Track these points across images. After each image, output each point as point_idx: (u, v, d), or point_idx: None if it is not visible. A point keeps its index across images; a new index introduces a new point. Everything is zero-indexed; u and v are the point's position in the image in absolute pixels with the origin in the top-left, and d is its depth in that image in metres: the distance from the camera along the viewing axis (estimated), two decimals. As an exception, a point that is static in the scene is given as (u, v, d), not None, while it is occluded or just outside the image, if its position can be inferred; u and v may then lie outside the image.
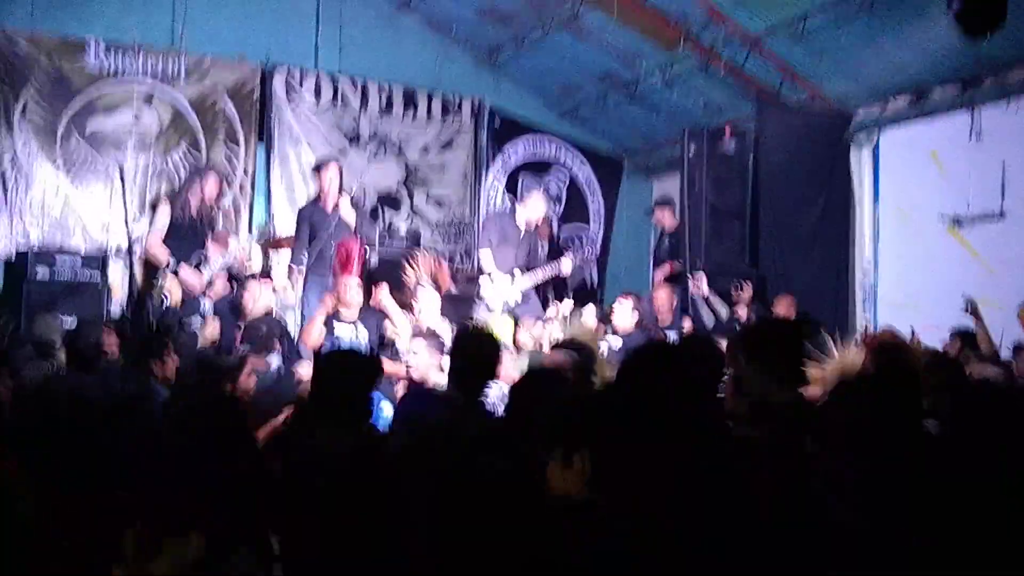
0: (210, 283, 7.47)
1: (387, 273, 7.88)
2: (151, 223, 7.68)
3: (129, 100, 9.15)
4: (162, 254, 7.32)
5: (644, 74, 10.14)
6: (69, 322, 6.50)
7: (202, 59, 9.50)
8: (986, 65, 7.84)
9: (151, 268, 7.35)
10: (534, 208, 8.70)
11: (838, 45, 8.30)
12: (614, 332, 7.74)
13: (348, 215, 7.80)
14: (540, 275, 8.53)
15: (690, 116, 10.37)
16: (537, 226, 8.92)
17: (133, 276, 7.22)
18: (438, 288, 7.57)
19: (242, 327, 6.53)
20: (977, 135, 8.18)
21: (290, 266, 7.88)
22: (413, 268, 7.86)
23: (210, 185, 7.75)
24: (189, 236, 7.48)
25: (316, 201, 8.08)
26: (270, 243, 8.89)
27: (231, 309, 6.96)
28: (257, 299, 6.84)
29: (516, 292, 8.36)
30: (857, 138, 9.33)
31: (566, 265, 8.66)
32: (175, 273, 7.21)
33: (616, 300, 8.07)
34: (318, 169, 8.12)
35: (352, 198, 8.01)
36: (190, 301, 7.27)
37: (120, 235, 8.03)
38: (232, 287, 7.51)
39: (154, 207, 7.79)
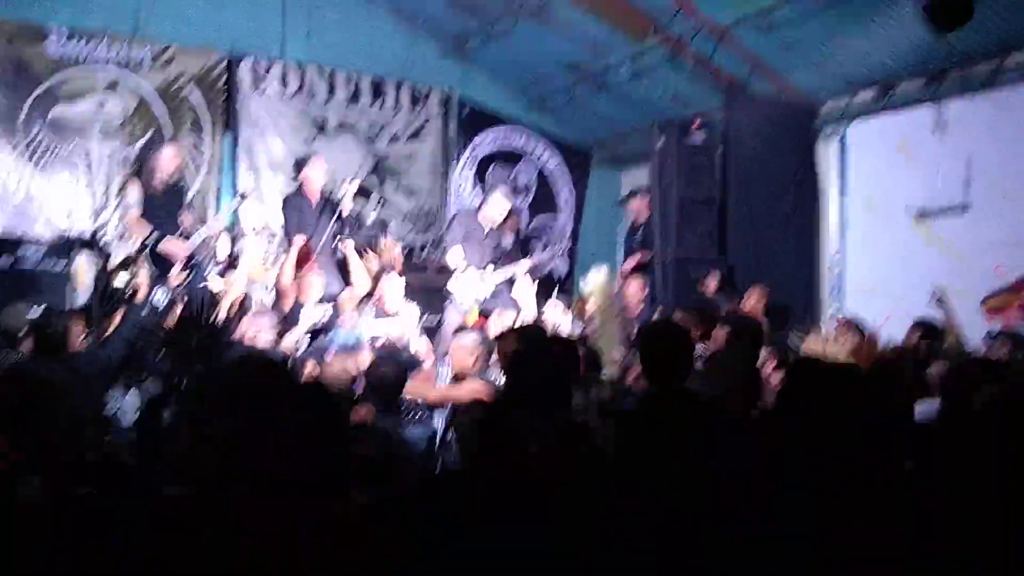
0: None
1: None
2: (123, 204, 7.65)
3: (93, 87, 9.02)
4: (143, 229, 7.34)
5: (613, 65, 10.14)
6: (32, 311, 6.40)
7: (167, 47, 9.38)
8: (952, 58, 7.92)
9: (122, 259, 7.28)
10: (495, 207, 8.80)
11: (806, 37, 8.35)
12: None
13: (348, 205, 7.95)
14: (508, 272, 8.59)
15: (659, 107, 10.40)
16: (499, 223, 9.00)
17: (102, 265, 7.12)
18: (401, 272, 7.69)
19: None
20: (942, 128, 8.28)
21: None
22: (377, 255, 7.92)
23: (167, 158, 7.68)
24: (162, 212, 7.45)
25: (299, 193, 8.12)
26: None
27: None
28: (223, 289, 6.80)
29: (487, 288, 8.43)
30: (824, 130, 9.41)
31: (522, 266, 8.77)
32: (156, 244, 7.26)
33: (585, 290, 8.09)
34: (300, 164, 8.21)
35: (361, 186, 8.17)
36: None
37: (85, 223, 7.93)
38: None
39: (122, 189, 7.71)
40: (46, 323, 5.21)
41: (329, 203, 8.35)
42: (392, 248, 8.73)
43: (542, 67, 10.90)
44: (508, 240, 9.65)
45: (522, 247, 10.13)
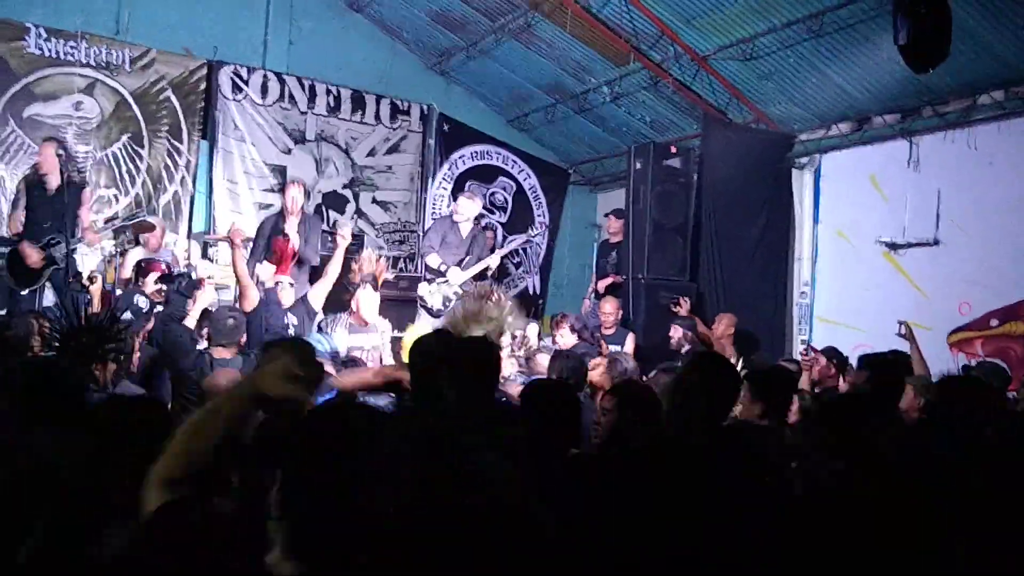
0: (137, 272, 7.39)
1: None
2: (14, 201, 7.51)
3: (70, 88, 8.98)
4: (17, 225, 7.21)
5: (593, 87, 10.23)
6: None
7: (147, 50, 9.36)
8: (925, 96, 8.05)
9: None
10: (465, 209, 8.84)
11: (784, 69, 8.46)
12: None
13: (290, 230, 7.85)
14: (475, 269, 8.65)
15: (637, 131, 10.49)
16: (479, 232, 9.03)
17: (68, 269, 7.03)
18: (376, 286, 7.64)
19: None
20: (915, 163, 8.38)
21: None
22: (357, 268, 7.90)
23: (44, 157, 7.23)
24: (45, 212, 7.10)
25: (280, 215, 8.10)
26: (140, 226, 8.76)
27: (168, 303, 6.85)
28: (196, 298, 6.74)
29: (454, 288, 8.46)
30: (799, 160, 9.51)
31: (494, 260, 8.87)
32: (16, 243, 7.05)
33: (556, 325, 8.06)
34: (282, 188, 8.23)
35: (304, 214, 8.12)
36: (125, 294, 7.17)
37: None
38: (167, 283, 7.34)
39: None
40: (7, 326, 5.15)
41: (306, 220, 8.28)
42: (371, 261, 8.71)
43: (523, 87, 10.97)
44: (486, 255, 9.66)
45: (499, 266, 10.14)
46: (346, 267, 7.58)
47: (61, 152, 7.21)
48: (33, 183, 7.16)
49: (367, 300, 7.34)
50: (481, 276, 8.79)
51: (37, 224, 7.06)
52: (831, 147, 9.21)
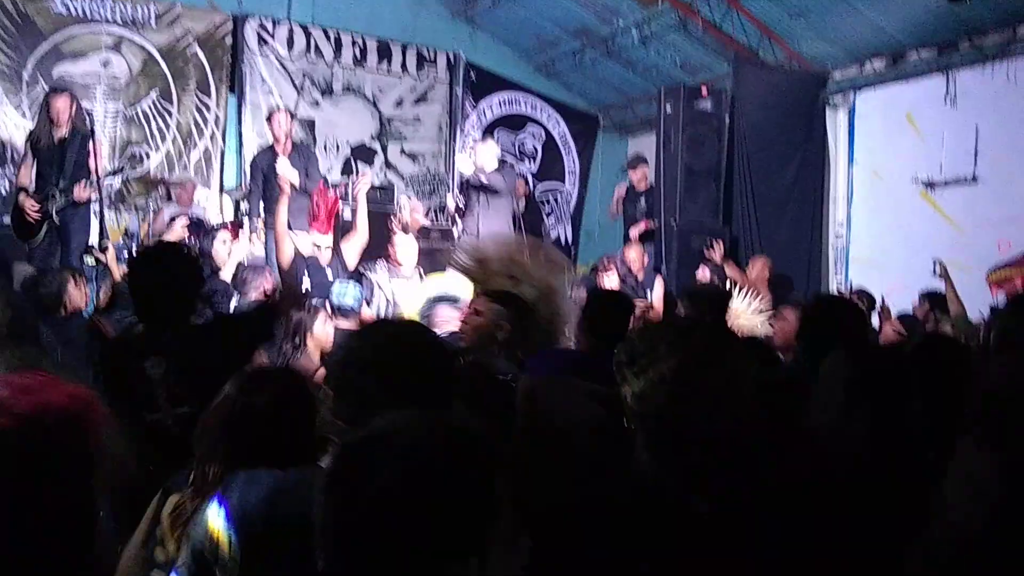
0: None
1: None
2: (23, 157, 7.36)
3: (97, 46, 8.98)
4: (25, 182, 7.09)
5: (621, 30, 10.07)
6: (29, 271, 6.38)
7: (172, 6, 9.34)
8: (962, 29, 7.86)
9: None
10: (484, 156, 8.59)
11: (816, 5, 8.29)
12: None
13: (283, 168, 7.66)
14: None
15: (666, 74, 10.34)
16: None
17: (103, 228, 7.08)
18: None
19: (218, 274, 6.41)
20: (952, 99, 8.21)
21: (247, 217, 7.84)
22: (398, 215, 7.94)
23: (57, 106, 7.03)
24: (52, 164, 7.00)
25: (269, 148, 7.99)
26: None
27: (202, 258, 6.87)
28: (231, 250, 6.76)
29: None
30: (833, 99, 9.34)
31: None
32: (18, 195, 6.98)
33: (604, 269, 8.01)
34: (269, 117, 8.06)
35: (294, 143, 7.93)
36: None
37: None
38: (197, 236, 7.35)
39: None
40: (39, 283, 5.15)
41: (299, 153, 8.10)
42: (413, 208, 8.71)
43: (550, 32, 10.83)
44: (520, 205, 9.59)
45: (532, 215, 10.02)
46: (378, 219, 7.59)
47: (72, 103, 7.17)
48: (38, 137, 7.04)
49: (404, 246, 7.32)
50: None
51: (44, 177, 6.98)
52: (865, 84, 9.04)
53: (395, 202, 9.22)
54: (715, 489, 1.75)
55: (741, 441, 1.81)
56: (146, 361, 3.10)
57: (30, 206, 6.89)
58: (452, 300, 5.80)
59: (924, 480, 2.28)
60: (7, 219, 7.38)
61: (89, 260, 6.61)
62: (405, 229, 7.84)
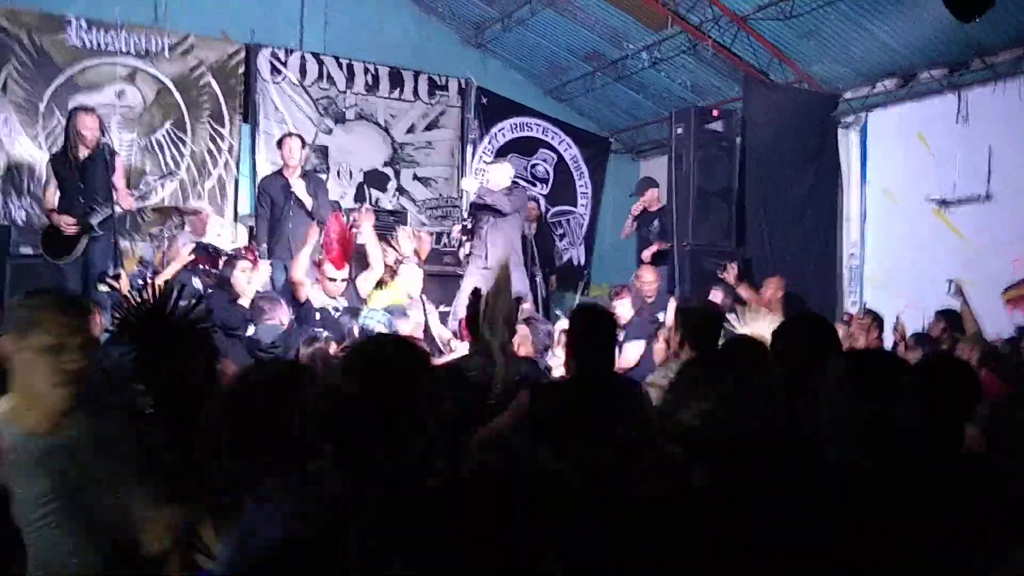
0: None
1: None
2: (46, 182, 7.37)
3: (112, 77, 9.08)
4: (51, 203, 7.06)
5: (631, 53, 10.12)
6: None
7: (186, 36, 9.43)
8: (973, 48, 7.85)
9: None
10: (497, 176, 8.62)
11: (825, 26, 8.30)
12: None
13: (302, 195, 7.70)
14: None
15: (677, 96, 10.38)
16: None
17: (117, 256, 7.10)
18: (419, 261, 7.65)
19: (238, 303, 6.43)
20: (964, 118, 8.20)
21: (251, 243, 7.86)
22: (395, 246, 7.93)
23: (84, 123, 7.04)
24: (76, 183, 6.99)
25: (279, 173, 8.03)
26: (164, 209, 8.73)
27: (219, 286, 6.90)
28: (251, 278, 6.78)
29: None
30: (844, 119, 9.34)
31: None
32: (49, 216, 6.97)
33: (616, 295, 8.03)
34: (280, 142, 8.10)
35: (304, 172, 7.96)
36: (177, 278, 7.20)
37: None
38: (207, 263, 7.37)
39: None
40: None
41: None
42: (412, 238, 8.71)
43: (560, 57, 10.89)
44: (531, 229, 9.60)
45: (543, 240, 10.02)
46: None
47: (99, 122, 7.17)
48: (61, 159, 7.05)
49: (410, 276, 7.35)
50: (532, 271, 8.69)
51: (69, 198, 6.96)
52: (876, 104, 9.03)
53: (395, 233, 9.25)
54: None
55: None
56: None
57: (67, 222, 6.88)
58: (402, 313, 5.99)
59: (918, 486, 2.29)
60: (24, 249, 7.45)
61: (102, 288, 6.63)
62: (421, 256, 7.86)
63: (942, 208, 8.41)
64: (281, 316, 5.85)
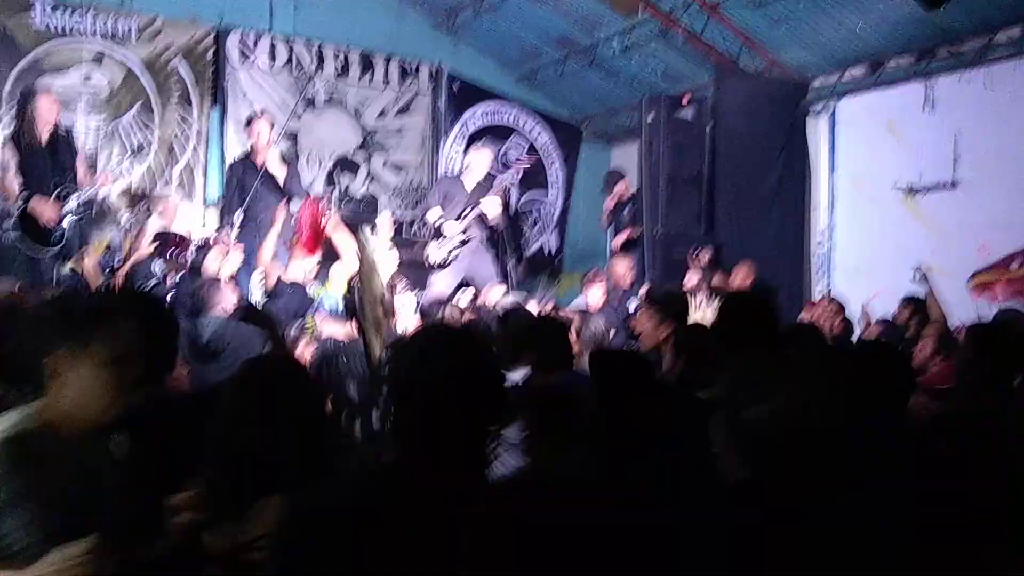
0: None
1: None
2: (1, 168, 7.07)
3: (78, 60, 8.95)
4: (12, 188, 6.86)
5: (602, 40, 10.10)
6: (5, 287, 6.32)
7: (154, 19, 9.31)
8: (940, 36, 7.91)
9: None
10: (475, 162, 8.73)
11: (796, 13, 8.33)
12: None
13: (275, 169, 7.67)
14: (469, 218, 8.64)
15: (649, 83, 10.37)
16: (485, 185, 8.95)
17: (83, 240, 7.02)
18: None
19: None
20: (931, 105, 8.27)
21: (220, 226, 7.81)
22: (373, 231, 7.92)
23: (43, 107, 7.01)
24: (42, 167, 6.91)
25: (247, 157, 7.98)
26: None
27: (191, 272, 6.86)
28: (222, 264, 6.74)
29: (450, 243, 8.44)
30: (814, 106, 9.39)
31: (489, 205, 8.72)
32: (26, 202, 6.75)
33: (588, 282, 8.07)
34: (249, 123, 8.04)
35: (282, 153, 7.94)
36: (140, 266, 7.14)
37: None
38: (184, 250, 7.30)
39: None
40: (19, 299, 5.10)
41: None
42: (389, 224, 8.70)
43: (532, 41, 10.86)
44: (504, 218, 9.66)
45: (512, 224, 10.05)
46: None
47: (55, 104, 7.07)
48: (23, 140, 6.91)
49: (387, 263, 7.35)
50: (503, 256, 8.72)
51: (36, 180, 6.81)
52: (846, 92, 9.09)
53: (377, 216, 9.23)
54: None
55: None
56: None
57: (49, 209, 6.73)
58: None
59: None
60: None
61: (65, 268, 6.55)
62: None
63: (910, 195, 8.49)
64: (224, 303, 5.64)
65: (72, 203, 6.80)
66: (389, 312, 4.24)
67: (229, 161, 8.86)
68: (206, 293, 5.60)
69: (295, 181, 8.12)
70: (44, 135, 6.87)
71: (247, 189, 7.79)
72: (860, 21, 8.08)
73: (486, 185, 8.93)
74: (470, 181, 8.82)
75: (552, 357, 3.92)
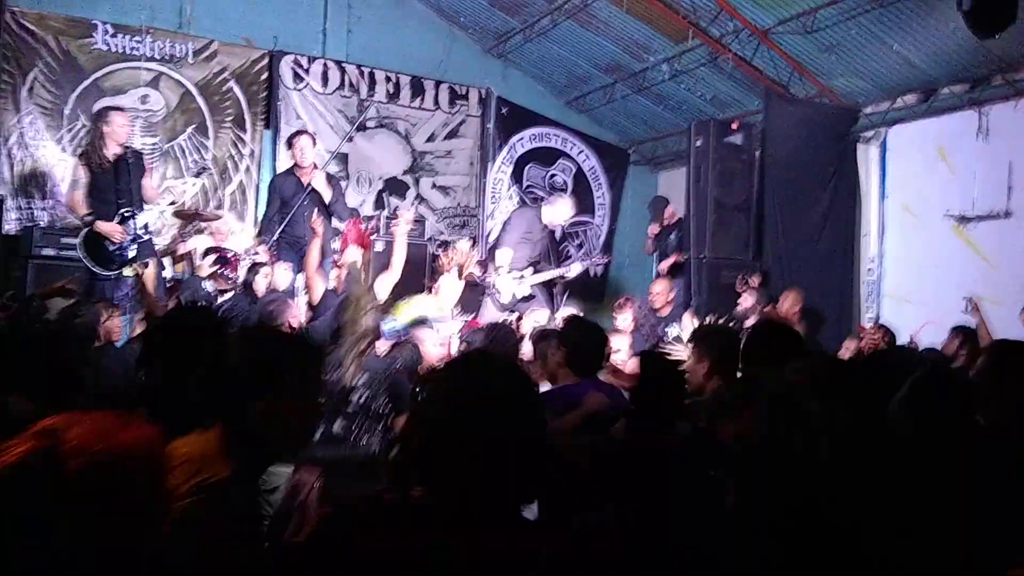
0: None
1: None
2: (72, 183, 7.28)
3: (136, 82, 9.18)
4: (80, 205, 6.98)
5: (651, 65, 10.14)
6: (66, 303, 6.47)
7: (209, 42, 9.52)
8: (995, 64, 7.82)
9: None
10: (561, 211, 8.81)
11: (847, 41, 8.28)
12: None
13: (321, 188, 7.75)
14: (550, 275, 8.63)
15: (697, 108, 10.38)
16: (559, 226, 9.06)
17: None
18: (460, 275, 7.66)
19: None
20: (985, 133, 8.16)
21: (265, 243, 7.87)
22: (448, 257, 7.96)
23: (114, 125, 7.07)
24: (109, 186, 6.97)
25: (289, 172, 8.09)
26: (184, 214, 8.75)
27: (245, 289, 6.97)
28: (271, 280, 6.84)
29: (526, 288, 8.44)
30: (865, 133, 9.32)
31: (574, 270, 8.90)
32: (90, 224, 6.84)
33: (619, 307, 8.07)
34: (290, 141, 8.14)
35: (328, 174, 8.03)
36: (188, 281, 7.28)
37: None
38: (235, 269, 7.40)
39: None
40: (74, 315, 5.24)
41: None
42: (463, 252, 8.68)
43: (581, 67, 10.92)
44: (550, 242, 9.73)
45: (555, 251, 10.06)
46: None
47: (126, 122, 7.21)
48: (93, 159, 7.00)
49: (450, 288, 7.31)
50: (550, 283, 8.77)
51: (103, 200, 6.93)
52: (897, 119, 9.00)
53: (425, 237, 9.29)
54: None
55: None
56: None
57: (116, 231, 6.83)
58: (430, 323, 5.99)
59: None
60: (47, 251, 7.52)
61: (128, 272, 6.64)
62: (460, 273, 7.85)
63: (961, 224, 8.37)
64: (290, 318, 5.77)
65: (133, 224, 6.89)
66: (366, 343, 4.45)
67: (273, 175, 9.00)
68: (276, 309, 5.70)
69: (340, 203, 8.20)
70: (113, 155, 6.97)
71: (289, 205, 7.87)
72: (912, 48, 8.03)
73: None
74: (547, 219, 8.78)
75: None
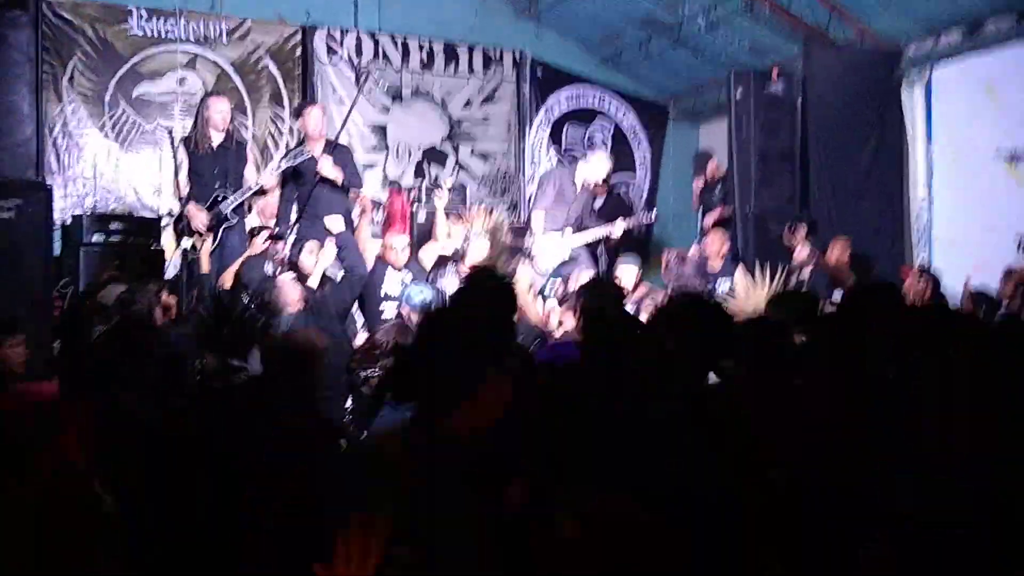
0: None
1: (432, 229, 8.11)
2: (175, 169, 7.56)
3: (173, 65, 9.22)
4: (182, 188, 7.28)
5: (687, 17, 9.95)
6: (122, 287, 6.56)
7: (242, 21, 9.53)
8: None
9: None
10: (596, 167, 8.71)
11: (887, -22, 8.11)
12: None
13: (331, 174, 7.55)
14: (592, 235, 8.53)
15: (735, 59, 10.20)
16: (596, 184, 8.92)
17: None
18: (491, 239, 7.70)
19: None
20: (1035, 67, 7.97)
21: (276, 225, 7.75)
22: (466, 220, 8.01)
23: (214, 110, 7.29)
24: (210, 171, 7.24)
25: (300, 144, 8.04)
26: None
27: (292, 269, 7.03)
28: (318, 259, 6.90)
29: (566, 250, 8.38)
30: (909, 75, 9.11)
31: (618, 228, 8.67)
32: (184, 207, 7.12)
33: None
34: (299, 113, 8.06)
35: (331, 145, 7.75)
36: (249, 264, 7.26)
37: (172, 200, 8.10)
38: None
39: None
40: (131, 300, 5.32)
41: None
42: (483, 215, 8.69)
43: (615, 23, 10.77)
44: (599, 203, 9.63)
45: (610, 210, 9.93)
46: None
47: (227, 108, 7.43)
48: (193, 143, 7.27)
49: (478, 251, 7.41)
50: (594, 244, 8.70)
51: (203, 185, 7.20)
52: (941, 58, 8.78)
53: (467, 204, 9.26)
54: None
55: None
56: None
57: (200, 216, 7.06)
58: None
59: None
60: (96, 237, 7.60)
61: (187, 243, 6.81)
62: (490, 236, 7.88)
63: (1013, 162, 8.19)
64: (288, 301, 5.82)
65: (226, 209, 7.11)
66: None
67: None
68: (273, 299, 5.72)
69: (352, 173, 7.96)
70: (215, 140, 7.19)
71: (307, 182, 7.68)
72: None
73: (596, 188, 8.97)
74: (581, 177, 8.72)
75: None
